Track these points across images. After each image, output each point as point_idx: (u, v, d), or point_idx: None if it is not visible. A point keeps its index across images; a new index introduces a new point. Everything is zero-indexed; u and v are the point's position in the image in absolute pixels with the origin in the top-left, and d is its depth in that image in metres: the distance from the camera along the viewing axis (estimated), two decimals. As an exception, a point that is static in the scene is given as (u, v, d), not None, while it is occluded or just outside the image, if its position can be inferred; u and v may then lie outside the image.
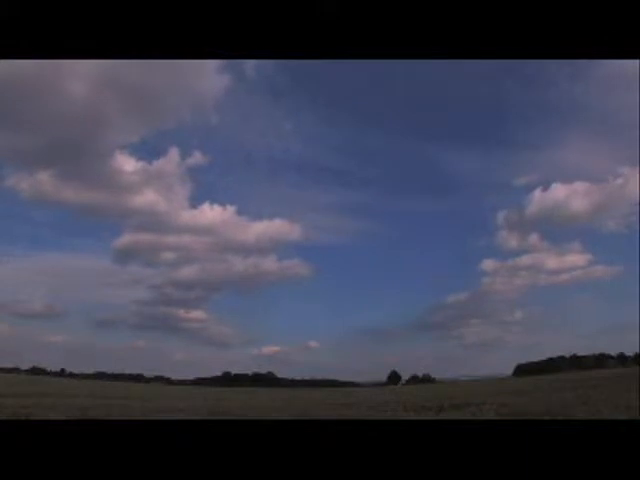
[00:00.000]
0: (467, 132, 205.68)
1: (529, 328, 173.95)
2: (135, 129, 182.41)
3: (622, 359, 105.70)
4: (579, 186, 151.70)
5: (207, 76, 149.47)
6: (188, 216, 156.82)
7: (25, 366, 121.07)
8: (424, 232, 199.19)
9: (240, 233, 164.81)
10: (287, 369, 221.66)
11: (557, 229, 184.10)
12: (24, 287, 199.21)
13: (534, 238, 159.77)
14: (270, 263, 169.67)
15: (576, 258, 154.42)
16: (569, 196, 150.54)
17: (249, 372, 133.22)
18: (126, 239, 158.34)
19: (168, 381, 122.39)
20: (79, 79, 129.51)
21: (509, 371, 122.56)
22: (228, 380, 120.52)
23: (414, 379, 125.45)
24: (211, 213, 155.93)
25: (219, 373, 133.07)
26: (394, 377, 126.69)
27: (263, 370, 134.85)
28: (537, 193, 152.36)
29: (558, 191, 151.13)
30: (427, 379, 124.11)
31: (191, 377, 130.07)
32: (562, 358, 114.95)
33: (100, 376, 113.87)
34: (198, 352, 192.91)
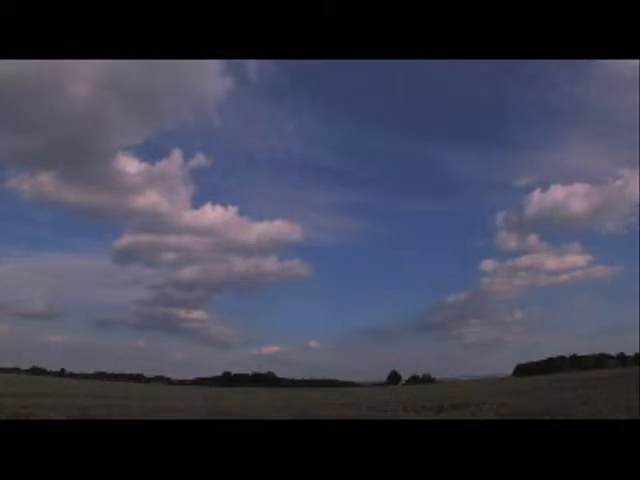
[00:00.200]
0: (467, 132, 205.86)
1: (529, 328, 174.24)
2: (138, 131, 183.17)
3: (622, 359, 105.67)
4: (579, 187, 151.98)
5: (210, 78, 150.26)
6: (190, 217, 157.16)
7: (25, 366, 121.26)
8: (424, 232, 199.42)
9: (241, 234, 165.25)
10: (287, 369, 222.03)
11: (556, 230, 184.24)
12: (25, 287, 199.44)
13: (533, 239, 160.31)
14: (271, 263, 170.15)
15: (576, 259, 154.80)
16: (569, 197, 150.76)
17: (249, 372, 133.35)
18: (127, 240, 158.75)
19: (168, 381, 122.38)
20: (82, 81, 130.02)
21: (509, 371, 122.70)
22: (228, 380, 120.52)
23: (414, 379, 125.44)
24: (213, 214, 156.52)
25: (219, 373, 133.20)
26: (394, 377, 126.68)
27: (263, 370, 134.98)
28: (537, 194, 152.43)
29: (558, 192, 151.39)
30: (427, 379, 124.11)
31: (191, 377, 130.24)
32: (562, 358, 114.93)
33: (100, 376, 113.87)
34: (198, 352, 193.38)
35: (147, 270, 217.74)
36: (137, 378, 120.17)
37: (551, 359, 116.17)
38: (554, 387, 30.58)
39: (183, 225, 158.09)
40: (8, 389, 30.88)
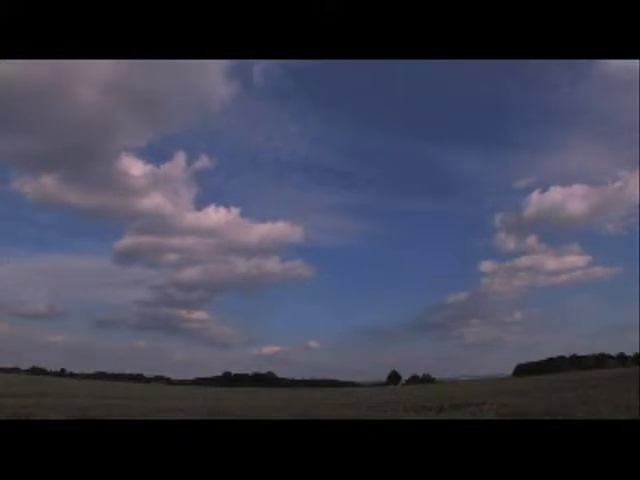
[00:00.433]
0: (467, 133, 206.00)
1: (529, 328, 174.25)
2: (142, 133, 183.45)
3: (622, 359, 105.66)
4: (578, 188, 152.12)
5: (214, 81, 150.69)
6: (192, 218, 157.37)
7: (25, 366, 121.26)
8: (424, 233, 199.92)
9: (244, 235, 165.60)
10: (287, 369, 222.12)
11: (556, 231, 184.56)
12: (27, 288, 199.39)
13: (533, 239, 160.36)
14: (273, 264, 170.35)
15: (575, 259, 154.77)
16: (568, 198, 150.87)
17: (249, 372, 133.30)
18: (130, 241, 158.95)
19: (168, 381, 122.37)
20: (87, 84, 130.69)
21: (509, 371, 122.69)
22: (228, 380, 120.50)
23: (414, 379, 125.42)
24: (215, 215, 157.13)
25: (219, 373, 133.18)
26: (394, 377, 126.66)
27: (263, 370, 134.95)
28: (536, 195, 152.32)
29: (557, 193, 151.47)
30: (427, 379, 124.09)
31: (191, 377, 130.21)
32: (562, 358, 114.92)
33: (100, 376, 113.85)
34: (199, 352, 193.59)
35: (149, 271, 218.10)
36: (137, 378, 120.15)
37: (551, 359, 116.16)
38: (554, 387, 30.57)
39: (185, 226, 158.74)
40: (8, 389, 30.88)
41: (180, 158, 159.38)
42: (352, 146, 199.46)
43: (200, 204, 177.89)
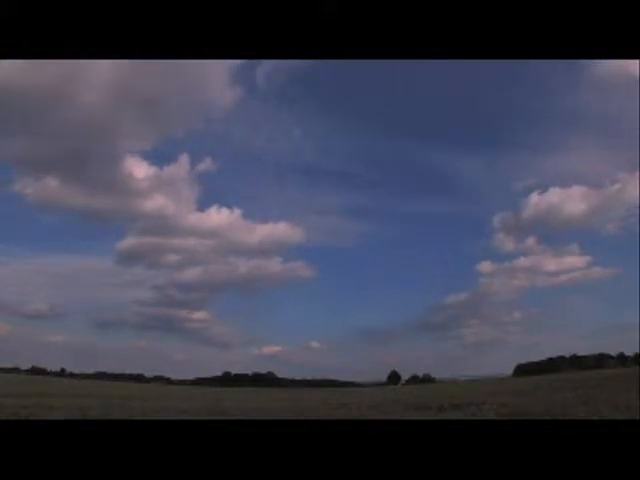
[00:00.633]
0: (467, 135, 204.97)
1: (529, 328, 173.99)
2: (148, 137, 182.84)
3: (622, 359, 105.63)
4: (577, 190, 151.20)
5: (218, 85, 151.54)
6: (195, 219, 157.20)
7: (26, 366, 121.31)
8: (424, 234, 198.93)
9: (245, 236, 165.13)
10: (288, 369, 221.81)
11: (555, 232, 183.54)
12: (28, 288, 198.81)
13: (532, 240, 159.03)
14: (274, 265, 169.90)
15: (574, 260, 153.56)
16: (567, 200, 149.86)
17: (249, 372, 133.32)
18: (132, 241, 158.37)
19: (168, 381, 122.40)
20: (93, 88, 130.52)
21: (509, 371, 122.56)
22: (228, 380, 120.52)
23: (414, 379, 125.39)
24: (217, 216, 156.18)
25: (219, 373, 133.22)
26: (394, 377, 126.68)
27: (263, 370, 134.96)
28: (535, 196, 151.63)
29: (556, 194, 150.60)
30: (427, 379, 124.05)
31: (191, 377, 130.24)
32: (562, 358, 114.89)
33: (100, 376, 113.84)
34: (200, 353, 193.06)
35: (150, 271, 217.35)
36: (137, 378, 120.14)
37: (551, 359, 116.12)
38: (554, 387, 30.56)
39: (187, 227, 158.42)
40: (8, 389, 30.88)
41: (184, 160, 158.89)
42: (352, 148, 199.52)
43: (202, 205, 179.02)
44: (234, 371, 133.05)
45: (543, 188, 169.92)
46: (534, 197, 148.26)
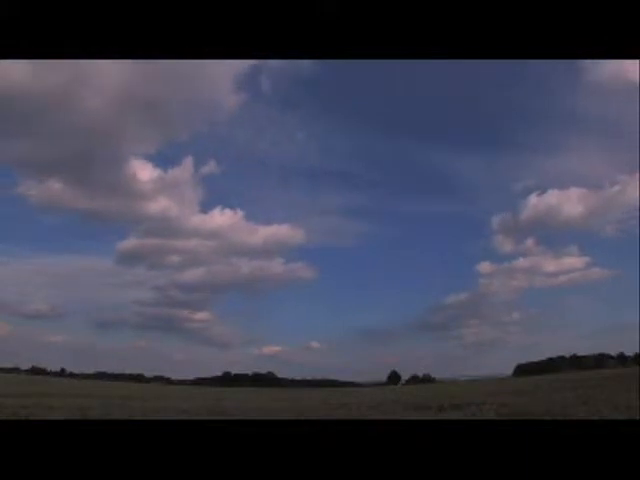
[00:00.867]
0: (466, 136, 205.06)
1: (529, 328, 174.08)
2: (152, 140, 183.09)
3: (622, 359, 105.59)
4: (576, 191, 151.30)
5: (223, 89, 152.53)
6: (197, 221, 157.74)
7: (26, 366, 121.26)
8: (423, 234, 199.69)
9: (247, 237, 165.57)
10: (288, 369, 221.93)
11: (555, 233, 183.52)
12: (29, 288, 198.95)
13: (531, 241, 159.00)
14: (275, 266, 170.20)
15: (574, 261, 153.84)
16: (566, 201, 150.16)
17: (249, 372, 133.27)
18: (134, 242, 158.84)
19: (168, 381, 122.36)
20: (99, 93, 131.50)
21: (509, 371, 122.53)
22: (228, 380, 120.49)
23: (414, 379, 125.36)
24: (220, 218, 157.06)
25: (219, 373, 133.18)
26: (394, 377, 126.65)
27: (263, 370, 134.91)
28: (534, 198, 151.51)
29: (555, 196, 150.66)
30: (427, 379, 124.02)
31: (191, 377, 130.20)
32: (562, 358, 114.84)
33: (100, 376, 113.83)
34: (200, 353, 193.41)
35: (151, 272, 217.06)
36: (137, 378, 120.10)
37: (551, 359, 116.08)
38: (554, 387, 30.55)
39: (190, 229, 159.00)
40: (8, 389, 30.88)
41: (188, 163, 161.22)
42: (352, 148, 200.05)
43: (205, 207, 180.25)
44: (234, 371, 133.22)
45: (542, 189, 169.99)
46: (533, 198, 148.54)
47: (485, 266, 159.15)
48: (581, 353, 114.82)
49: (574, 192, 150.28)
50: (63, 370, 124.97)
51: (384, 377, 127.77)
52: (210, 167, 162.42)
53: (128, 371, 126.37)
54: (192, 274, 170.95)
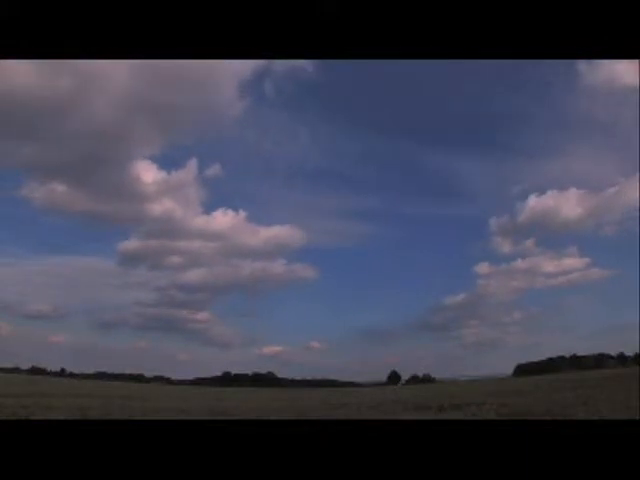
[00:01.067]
0: (466, 138, 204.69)
1: (529, 329, 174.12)
2: (157, 143, 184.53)
3: (622, 359, 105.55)
4: (575, 193, 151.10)
5: (228, 92, 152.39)
6: (200, 222, 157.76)
7: (26, 366, 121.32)
8: (423, 235, 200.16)
9: (250, 238, 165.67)
10: (288, 369, 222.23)
11: (554, 234, 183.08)
12: (31, 289, 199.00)
13: (531, 243, 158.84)
14: (277, 267, 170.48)
15: (573, 261, 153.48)
16: (565, 203, 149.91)
17: (249, 372, 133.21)
18: (136, 244, 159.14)
19: (168, 381, 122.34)
20: (104, 95, 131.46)
21: (509, 371, 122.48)
22: (228, 380, 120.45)
23: (414, 379, 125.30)
24: (223, 219, 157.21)
25: (219, 373, 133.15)
26: (394, 377, 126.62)
27: (263, 370, 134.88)
28: (533, 199, 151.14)
29: (554, 197, 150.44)
30: (427, 379, 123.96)
31: (191, 377, 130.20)
32: (562, 358, 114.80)
33: (100, 376, 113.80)
34: (200, 353, 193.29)
35: (153, 273, 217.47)
36: (137, 378, 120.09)
37: (551, 359, 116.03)
38: (554, 387, 30.57)
39: (193, 230, 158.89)
40: (8, 389, 30.88)
41: (192, 165, 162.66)
42: (353, 151, 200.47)
43: (208, 209, 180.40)
44: (234, 371, 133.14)
45: (541, 191, 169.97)
46: (532, 200, 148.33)
47: (484, 267, 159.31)
48: (581, 353, 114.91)
49: (573, 193, 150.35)
50: (63, 370, 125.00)
51: (384, 377, 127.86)
52: (214, 169, 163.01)
53: (128, 371, 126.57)
54: (193, 275, 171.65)
